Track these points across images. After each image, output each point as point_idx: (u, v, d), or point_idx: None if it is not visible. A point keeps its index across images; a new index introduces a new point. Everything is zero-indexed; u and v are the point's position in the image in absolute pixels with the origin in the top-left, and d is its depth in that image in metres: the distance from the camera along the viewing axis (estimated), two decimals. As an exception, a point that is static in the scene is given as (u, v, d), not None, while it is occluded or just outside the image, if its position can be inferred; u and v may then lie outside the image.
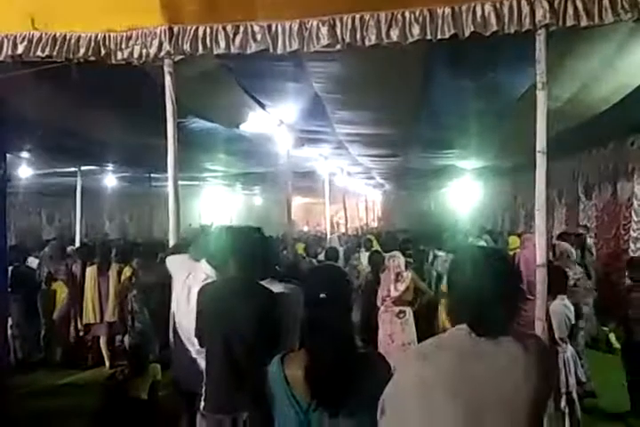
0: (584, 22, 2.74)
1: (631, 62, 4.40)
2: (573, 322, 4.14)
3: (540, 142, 2.87)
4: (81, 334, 6.75)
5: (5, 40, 3.25)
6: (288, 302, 2.54)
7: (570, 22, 2.74)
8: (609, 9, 2.71)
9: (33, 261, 7.75)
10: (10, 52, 3.25)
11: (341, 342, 1.77)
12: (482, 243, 8.12)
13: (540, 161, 2.87)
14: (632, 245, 7.95)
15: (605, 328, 6.76)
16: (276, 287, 2.60)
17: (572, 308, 4.17)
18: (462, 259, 1.58)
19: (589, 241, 8.27)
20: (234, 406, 2.37)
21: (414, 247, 7.54)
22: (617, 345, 6.21)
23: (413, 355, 1.56)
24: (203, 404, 2.46)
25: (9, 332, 5.05)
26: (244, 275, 2.55)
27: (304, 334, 1.82)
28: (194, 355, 2.82)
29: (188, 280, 2.89)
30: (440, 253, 7.24)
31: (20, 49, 3.23)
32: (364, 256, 7.22)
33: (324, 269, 2.06)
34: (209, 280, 2.73)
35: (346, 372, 1.71)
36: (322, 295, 1.78)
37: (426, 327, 5.59)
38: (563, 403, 3.79)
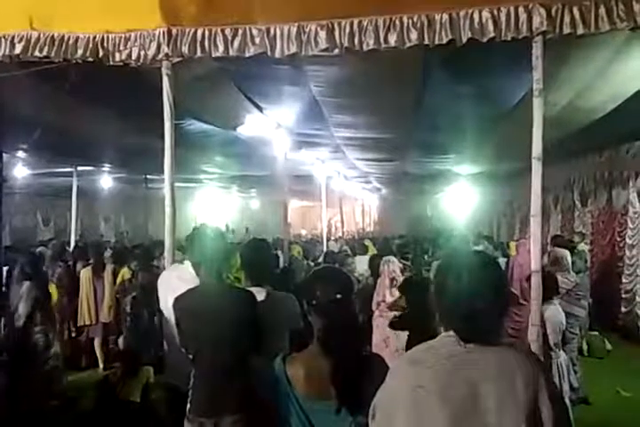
0: (580, 30, 2.75)
1: (627, 70, 4.44)
2: (565, 328, 4.15)
3: (536, 149, 2.88)
4: (75, 335, 6.72)
5: (3, 40, 3.24)
6: (276, 305, 2.55)
7: (566, 30, 2.76)
8: (605, 17, 2.72)
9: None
10: (7, 52, 3.23)
11: (360, 341, 1.84)
12: (479, 248, 8.14)
13: (536, 167, 2.88)
14: (627, 252, 7.99)
15: (594, 333, 6.78)
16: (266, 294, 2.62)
17: (563, 313, 4.18)
18: (446, 263, 1.56)
19: (584, 247, 8.30)
20: (216, 410, 2.40)
21: (412, 252, 7.55)
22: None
23: (403, 360, 1.55)
24: (188, 407, 2.48)
25: (2, 332, 5.02)
26: (217, 279, 2.57)
27: (322, 336, 1.82)
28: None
29: (176, 281, 2.89)
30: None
31: (18, 49, 3.22)
32: (362, 260, 7.22)
33: (331, 270, 2.07)
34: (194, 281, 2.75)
35: (363, 372, 1.75)
36: (338, 296, 1.82)
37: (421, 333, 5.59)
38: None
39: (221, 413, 2.38)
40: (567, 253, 5.27)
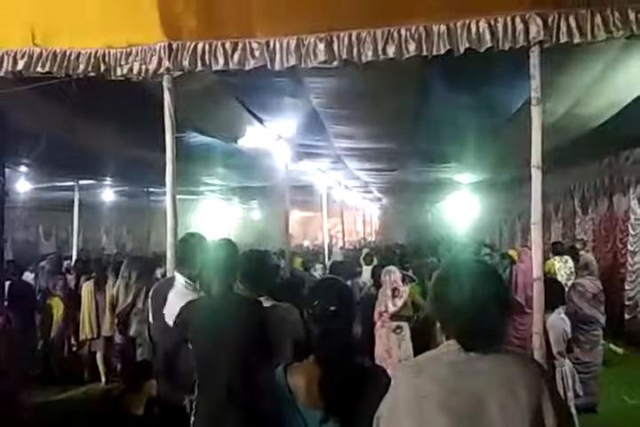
0: (577, 39, 2.78)
1: (624, 78, 4.46)
2: (570, 336, 4.13)
3: (535, 157, 2.89)
4: (77, 349, 6.69)
5: (6, 56, 3.28)
6: (280, 316, 2.55)
7: (563, 39, 2.78)
8: (601, 26, 2.75)
9: (28, 276, 7.70)
10: (10, 68, 3.27)
11: (353, 352, 1.83)
12: (480, 257, 8.09)
13: (536, 175, 2.88)
14: (629, 259, 7.97)
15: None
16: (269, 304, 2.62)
17: (568, 321, 4.16)
18: (445, 272, 1.54)
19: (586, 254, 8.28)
20: (223, 423, 2.36)
21: (415, 261, 7.52)
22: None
23: (405, 370, 1.54)
24: (193, 419, 2.45)
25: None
26: (226, 289, 2.55)
27: (316, 346, 1.83)
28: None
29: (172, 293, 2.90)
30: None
31: (21, 65, 3.26)
32: (366, 269, 7.21)
33: (329, 282, 2.07)
34: (186, 291, 2.76)
35: (356, 383, 1.73)
36: (332, 308, 1.82)
37: (423, 343, 5.55)
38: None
39: (229, 425, 2.34)
40: (593, 258, 5.24)
